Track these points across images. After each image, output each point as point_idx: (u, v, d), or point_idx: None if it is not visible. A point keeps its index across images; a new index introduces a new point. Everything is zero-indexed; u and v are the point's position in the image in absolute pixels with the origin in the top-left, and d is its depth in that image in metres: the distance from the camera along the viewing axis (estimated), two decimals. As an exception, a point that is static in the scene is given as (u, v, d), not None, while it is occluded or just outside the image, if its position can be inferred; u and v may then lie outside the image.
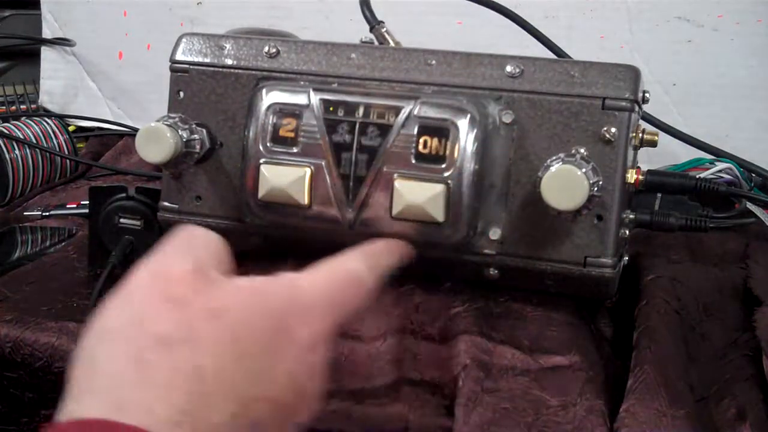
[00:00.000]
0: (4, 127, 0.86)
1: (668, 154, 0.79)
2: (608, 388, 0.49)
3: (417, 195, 0.52)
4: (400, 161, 0.52)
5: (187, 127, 0.56)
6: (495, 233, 0.54)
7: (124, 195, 0.62)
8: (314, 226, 0.55)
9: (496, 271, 0.55)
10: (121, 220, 0.62)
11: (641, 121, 0.58)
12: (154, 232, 0.62)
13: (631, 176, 0.55)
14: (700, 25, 0.86)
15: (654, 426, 0.44)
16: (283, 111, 0.54)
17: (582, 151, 0.52)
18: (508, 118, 0.54)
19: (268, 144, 0.54)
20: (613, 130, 0.52)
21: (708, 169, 0.74)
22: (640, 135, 0.56)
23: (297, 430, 0.38)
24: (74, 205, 0.79)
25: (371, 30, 0.64)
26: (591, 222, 0.53)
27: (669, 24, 0.87)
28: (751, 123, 0.85)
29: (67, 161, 0.91)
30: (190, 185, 0.59)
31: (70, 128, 0.98)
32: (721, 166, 0.73)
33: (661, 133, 0.62)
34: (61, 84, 1.10)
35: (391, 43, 0.63)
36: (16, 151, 0.84)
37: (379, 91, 0.54)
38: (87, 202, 0.64)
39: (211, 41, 0.59)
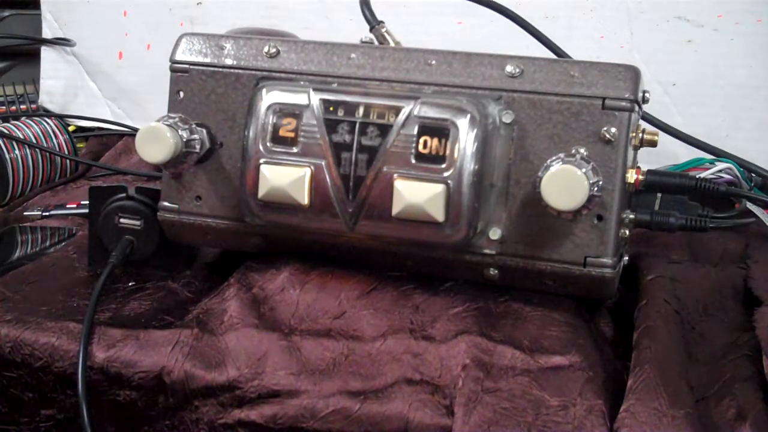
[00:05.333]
0: (4, 127, 0.86)
1: (668, 154, 0.79)
2: (608, 388, 0.49)
3: (417, 195, 0.52)
4: (400, 161, 0.52)
5: (187, 127, 0.56)
6: (495, 233, 0.54)
7: (124, 195, 0.62)
8: (314, 226, 0.55)
9: (496, 271, 0.55)
10: (121, 220, 0.62)
11: (641, 121, 0.58)
12: (154, 232, 0.62)
13: (631, 176, 0.55)
14: (700, 25, 0.86)
15: (654, 426, 0.44)
16: (283, 111, 0.54)
17: (582, 151, 0.52)
18: (508, 118, 0.54)
19: (268, 144, 0.54)
20: (613, 130, 0.52)
21: (708, 169, 0.74)
22: (640, 135, 0.56)
23: None
24: (74, 205, 0.79)
25: (371, 30, 0.64)
26: (591, 222, 0.53)
27: (669, 24, 0.87)
28: (751, 123, 0.85)
29: (67, 161, 0.91)
30: (190, 185, 0.59)
31: (70, 128, 0.98)
32: (721, 166, 0.73)
33: (661, 133, 0.62)
34: (61, 84, 1.10)
35: (391, 43, 0.63)
36: (16, 151, 0.84)
37: (379, 91, 0.54)
38: (87, 202, 0.64)
39: (211, 41, 0.59)
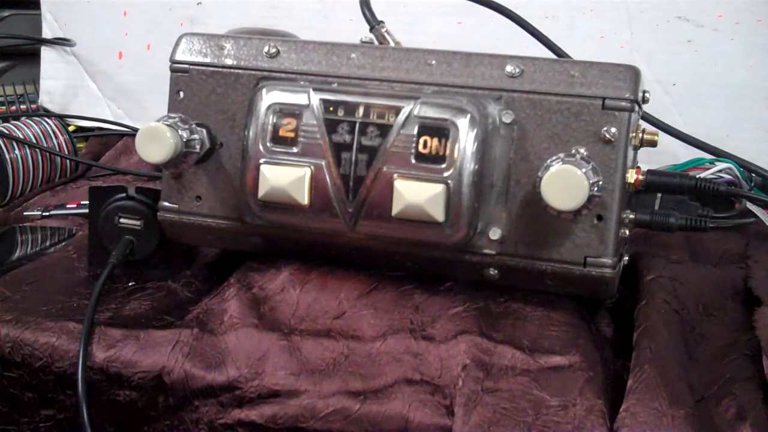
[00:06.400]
0: (4, 127, 0.86)
1: (668, 154, 0.79)
2: (608, 388, 0.49)
3: (417, 195, 0.52)
4: (400, 161, 0.52)
5: (187, 127, 0.56)
6: (495, 233, 0.54)
7: (124, 195, 0.62)
8: (314, 226, 0.55)
9: (496, 271, 0.55)
10: (121, 220, 0.62)
11: (641, 121, 0.58)
12: (154, 232, 0.62)
13: (631, 176, 0.55)
14: (700, 25, 0.86)
15: (654, 426, 0.44)
16: (283, 111, 0.54)
17: (582, 151, 0.52)
18: (508, 118, 0.54)
19: (268, 144, 0.54)
20: (613, 130, 0.52)
21: (708, 169, 0.74)
22: (640, 135, 0.56)
23: None
24: (74, 205, 0.79)
25: (371, 30, 0.64)
26: (591, 222, 0.53)
27: (669, 24, 0.87)
28: (751, 123, 0.85)
29: (67, 161, 0.91)
30: (190, 185, 0.59)
31: (70, 128, 0.98)
32: (721, 166, 0.73)
33: (661, 133, 0.62)
34: (61, 84, 1.10)
35: (391, 43, 0.63)
36: (16, 151, 0.84)
37: (379, 91, 0.54)
38: (87, 202, 0.64)
39: (211, 41, 0.59)
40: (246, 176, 0.55)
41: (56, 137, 0.91)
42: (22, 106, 1.10)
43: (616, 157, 0.52)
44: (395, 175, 0.52)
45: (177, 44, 0.60)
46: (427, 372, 0.50)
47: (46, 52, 1.10)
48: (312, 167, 0.54)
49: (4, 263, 0.65)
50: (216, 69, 0.58)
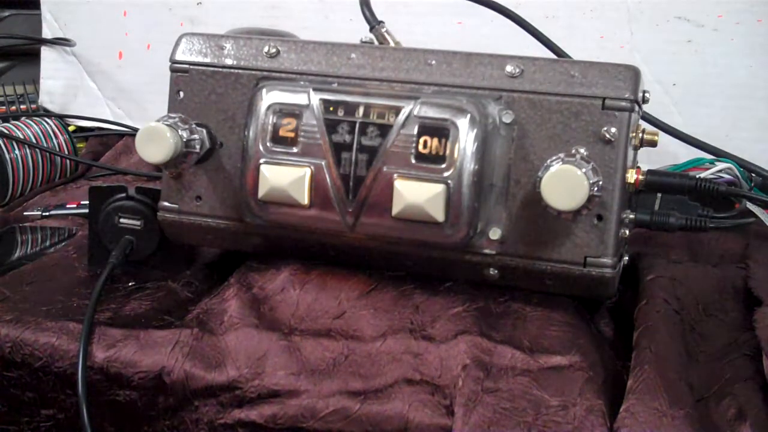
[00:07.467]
0: (4, 127, 0.86)
1: (668, 154, 0.79)
2: (608, 388, 0.49)
3: (417, 195, 0.52)
4: (400, 161, 0.52)
5: (187, 127, 0.56)
6: (495, 233, 0.54)
7: (124, 195, 0.62)
8: (314, 226, 0.55)
9: (496, 271, 0.55)
10: (121, 220, 0.62)
11: (641, 121, 0.58)
12: (154, 232, 0.62)
13: (631, 176, 0.55)
14: (700, 25, 0.86)
15: (654, 426, 0.44)
16: (283, 111, 0.54)
17: (582, 151, 0.52)
18: (508, 118, 0.54)
19: (268, 144, 0.54)
20: (613, 130, 0.52)
21: (708, 169, 0.74)
22: (640, 135, 0.56)
23: None
24: (74, 205, 0.79)
25: (371, 30, 0.64)
26: (591, 222, 0.53)
27: (669, 24, 0.87)
28: (751, 123, 0.85)
29: (67, 161, 0.91)
30: (190, 185, 0.59)
31: (70, 128, 0.98)
32: (721, 166, 0.73)
33: (661, 133, 0.62)
34: (61, 84, 1.10)
35: (391, 43, 0.63)
36: (16, 151, 0.84)
37: (379, 91, 0.54)
38: (87, 202, 0.64)
39: (211, 41, 0.59)
40: (246, 176, 0.55)
41: (56, 137, 0.91)
42: (22, 106, 1.10)
43: (616, 157, 0.52)
44: (395, 175, 0.52)
45: (177, 44, 0.60)
46: (427, 372, 0.50)
47: (46, 52, 1.10)
48: (312, 167, 0.54)
49: (4, 263, 0.65)
50: (216, 69, 0.58)
